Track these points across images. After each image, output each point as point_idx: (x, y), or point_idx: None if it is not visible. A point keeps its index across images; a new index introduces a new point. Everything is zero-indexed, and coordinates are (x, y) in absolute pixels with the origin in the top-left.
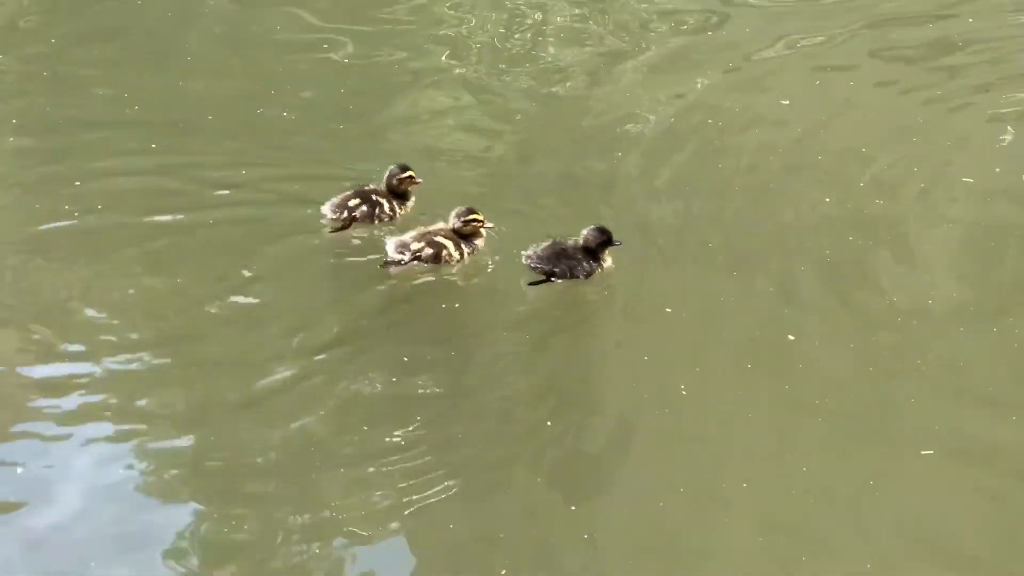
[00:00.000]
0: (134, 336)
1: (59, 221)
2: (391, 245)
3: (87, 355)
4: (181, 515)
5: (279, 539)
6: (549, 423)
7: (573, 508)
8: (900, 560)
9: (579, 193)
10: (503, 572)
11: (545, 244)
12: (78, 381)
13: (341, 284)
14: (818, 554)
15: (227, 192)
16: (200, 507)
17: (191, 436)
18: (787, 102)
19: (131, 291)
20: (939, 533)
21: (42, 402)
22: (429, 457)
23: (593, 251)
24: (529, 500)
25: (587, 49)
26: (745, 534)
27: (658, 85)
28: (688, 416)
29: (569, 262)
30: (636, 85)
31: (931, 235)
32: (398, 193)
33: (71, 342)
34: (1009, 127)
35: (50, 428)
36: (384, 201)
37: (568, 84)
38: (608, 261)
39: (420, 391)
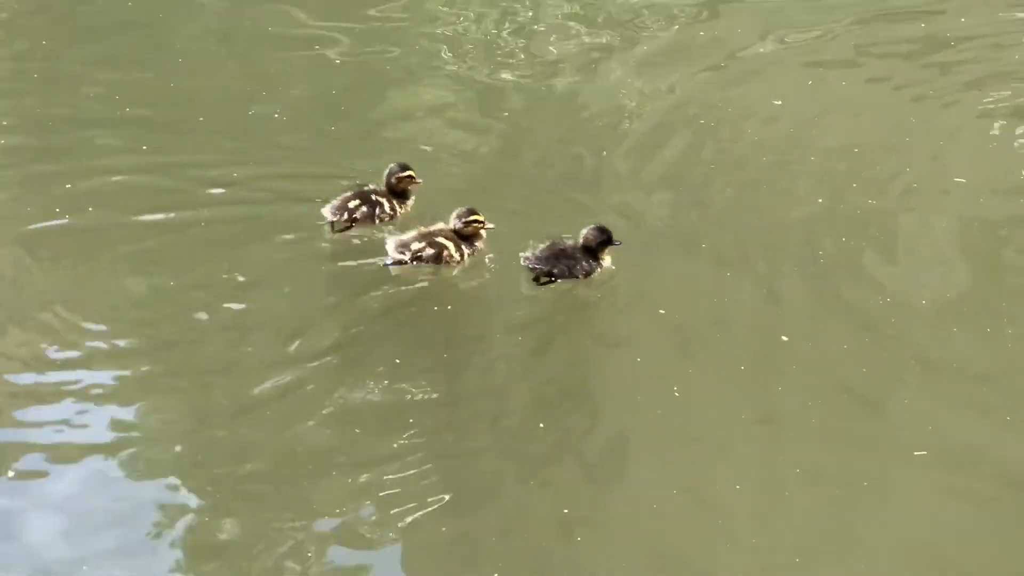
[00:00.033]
0: (125, 342)
1: (49, 221)
2: (391, 245)
3: (77, 362)
4: (174, 523)
5: (272, 546)
6: (542, 425)
7: (566, 511)
8: (894, 563)
9: (573, 191)
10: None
11: (544, 245)
12: (67, 388)
13: (338, 287)
14: (811, 556)
15: (220, 191)
16: (193, 515)
17: (183, 444)
18: (778, 98)
19: (122, 293)
20: (933, 536)
21: (31, 409)
22: (421, 462)
23: (593, 250)
24: (522, 502)
25: (580, 45)
26: (738, 536)
27: (650, 81)
28: (681, 418)
29: (568, 262)
30: (628, 81)
31: (924, 234)
32: (397, 192)
33: (61, 348)
34: (1001, 124)
35: (40, 436)
36: (384, 201)
37: (561, 80)
38: (608, 261)
39: (412, 396)
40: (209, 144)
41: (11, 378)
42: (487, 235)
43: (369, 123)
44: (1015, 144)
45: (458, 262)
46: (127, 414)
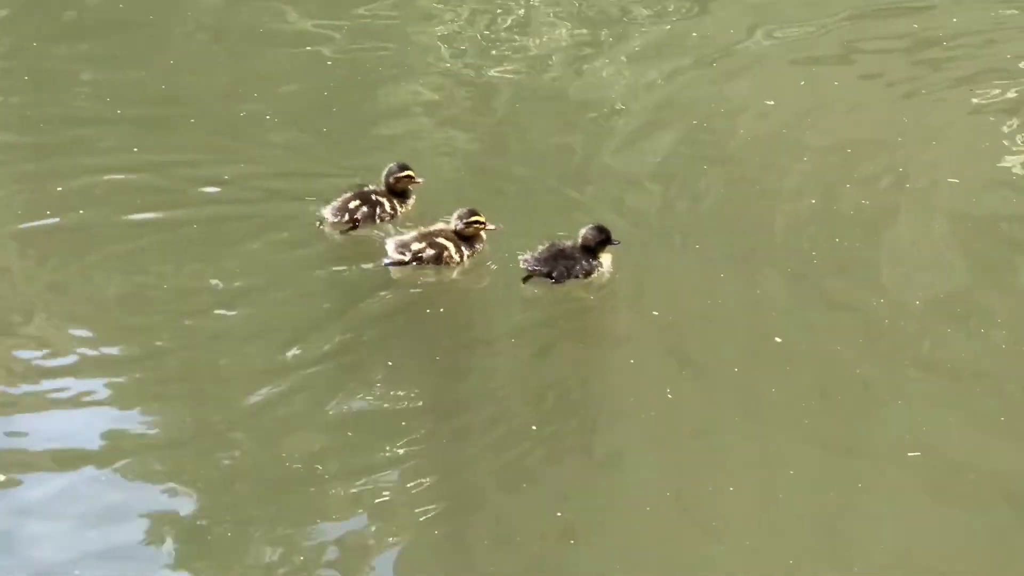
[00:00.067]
0: (116, 349)
1: (38, 220)
2: (391, 245)
3: (67, 370)
4: (165, 531)
5: (266, 554)
6: (534, 427)
7: (559, 514)
8: (886, 566)
9: (566, 188)
10: None
11: (543, 246)
12: (55, 397)
13: (334, 288)
14: (804, 559)
15: (213, 190)
16: (185, 523)
17: (174, 452)
18: (770, 94)
19: (113, 296)
20: (926, 540)
21: (16, 418)
22: (415, 467)
23: (592, 250)
24: (515, 507)
25: (572, 41)
26: (731, 538)
27: (642, 77)
28: (674, 420)
29: (567, 262)
30: (621, 77)
31: (917, 234)
32: (397, 192)
33: (49, 355)
34: (993, 120)
35: (29, 444)
36: (384, 200)
37: (553, 76)
38: (607, 260)
39: (406, 402)
40: (201, 143)
41: None
42: (487, 236)
43: (361, 121)
44: (1007, 141)
45: (458, 263)
46: (117, 422)
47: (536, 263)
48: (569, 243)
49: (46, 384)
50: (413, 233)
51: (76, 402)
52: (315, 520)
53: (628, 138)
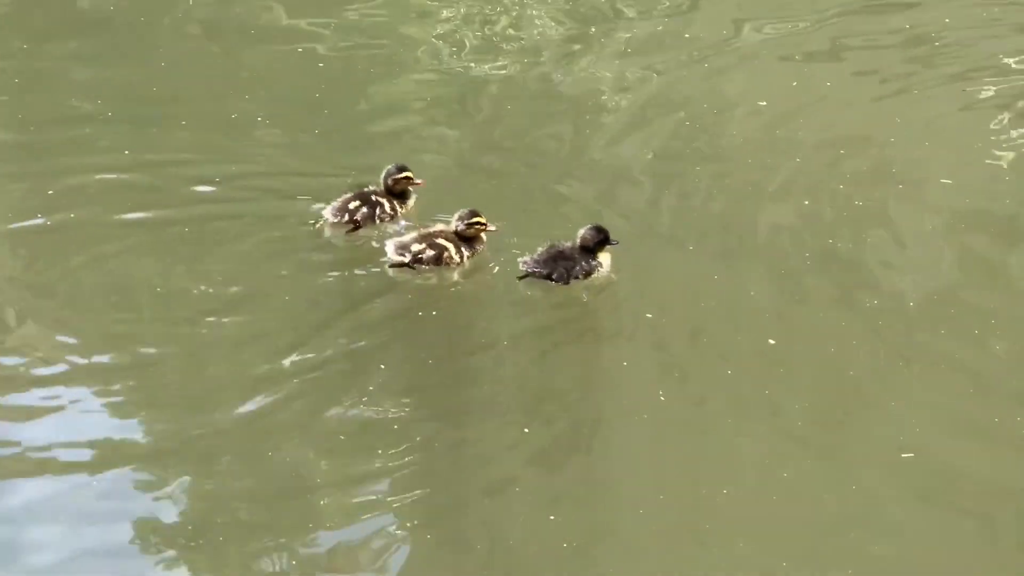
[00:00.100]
0: (107, 357)
1: (27, 220)
2: (391, 247)
3: (58, 377)
4: (157, 539)
5: (260, 564)
6: (526, 430)
7: (552, 517)
8: (881, 567)
9: (559, 185)
10: None
11: (542, 248)
12: (43, 404)
13: (331, 290)
14: (797, 561)
15: (206, 189)
16: (177, 533)
17: (168, 460)
18: (761, 90)
19: (105, 299)
20: (921, 541)
21: (5, 428)
22: (407, 471)
23: (591, 250)
24: (507, 510)
25: (563, 36)
26: (725, 541)
27: (635, 74)
28: (667, 422)
29: (566, 263)
30: (613, 73)
31: (911, 234)
32: (396, 193)
33: (38, 361)
34: (987, 117)
35: (17, 452)
36: (384, 201)
37: (545, 73)
38: (606, 260)
39: (402, 407)
40: (193, 142)
41: None
42: (487, 236)
43: (353, 119)
44: (999, 138)
45: (458, 264)
46: (107, 430)
47: (535, 265)
48: (568, 244)
49: (35, 391)
50: (413, 234)
51: (65, 409)
52: (309, 526)
53: (620, 135)
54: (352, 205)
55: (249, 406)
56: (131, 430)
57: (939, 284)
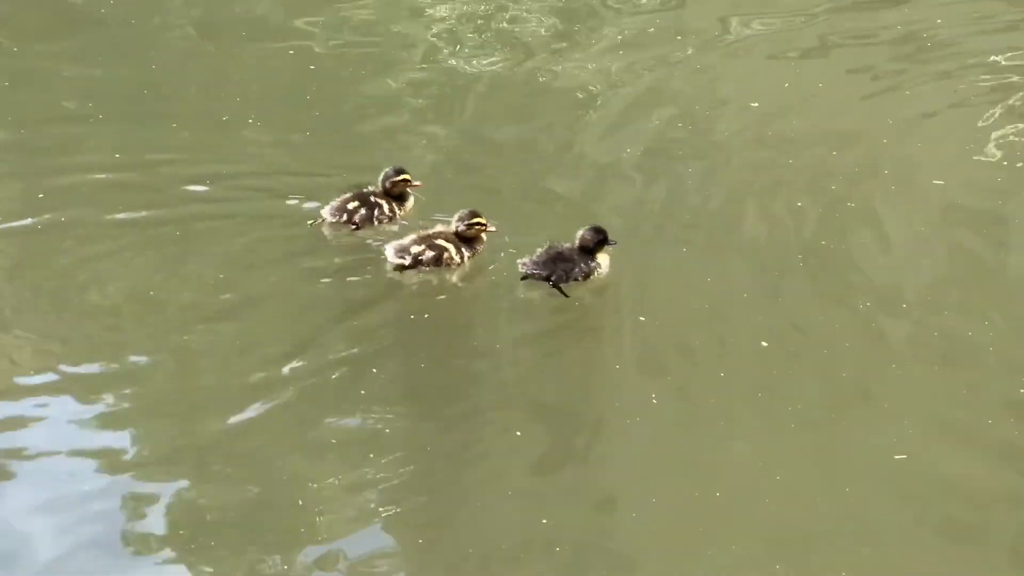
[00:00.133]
0: (98, 366)
1: (17, 221)
2: (390, 249)
3: (51, 385)
4: (150, 549)
5: (255, 572)
6: (519, 433)
7: (544, 521)
8: (876, 569)
9: (553, 183)
10: None
11: (541, 249)
12: (34, 414)
13: (328, 291)
14: (793, 562)
15: (197, 189)
16: (173, 541)
17: (163, 468)
18: (751, 87)
19: (98, 303)
20: (917, 542)
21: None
22: (401, 475)
23: (590, 251)
24: (499, 514)
25: (554, 32)
26: (718, 544)
27: (625, 69)
28: (660, 425)
29: (565, 265)
30: (604, 69)
31: (905, 232)
32: (394, 195)
33: (29, 369)
34: (980, 114)
35: (8, 461)
36: (383, 202)
37: (538, 70)
38: (605, 261)
39: (398, 411)
40: (185, 141)
41: None
42: (486, 237)
43: (345, 117)
44: (990, 135)
45: (458, 265)
46: (98, 440)
47: (534, 267)
48: (567, 245)
49: (23, 400)
50: (412, 236)
51: (54, 417)
52: (303, 533)
53: (609, 131)
54: (351, 206)
55: (243, 411)
56: (122, 438)
57: (932, 282)
